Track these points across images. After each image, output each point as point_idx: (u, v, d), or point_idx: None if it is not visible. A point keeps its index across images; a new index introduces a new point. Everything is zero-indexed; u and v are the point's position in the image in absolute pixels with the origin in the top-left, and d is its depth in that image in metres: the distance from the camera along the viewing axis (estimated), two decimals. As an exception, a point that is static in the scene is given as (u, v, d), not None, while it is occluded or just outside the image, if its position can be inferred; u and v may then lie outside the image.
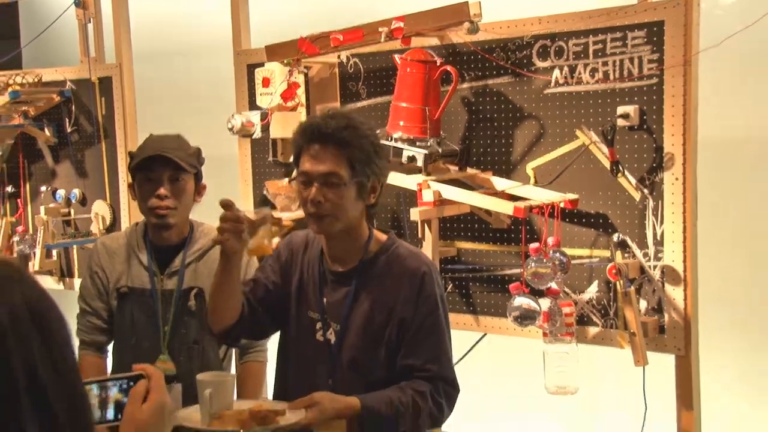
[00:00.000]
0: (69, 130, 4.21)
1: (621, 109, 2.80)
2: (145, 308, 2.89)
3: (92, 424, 1.17)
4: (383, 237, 2.47)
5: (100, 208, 4.04)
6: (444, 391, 2.37)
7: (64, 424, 1.08)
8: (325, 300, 2.47)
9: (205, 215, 3.00)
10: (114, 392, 1.41)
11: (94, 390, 1.41)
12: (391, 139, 3.04)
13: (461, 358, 3.24)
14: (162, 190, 2.80)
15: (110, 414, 1.38)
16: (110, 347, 3.05)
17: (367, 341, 2.40)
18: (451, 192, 2.96)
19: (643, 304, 2.83)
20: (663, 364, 2.81)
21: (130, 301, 2.92)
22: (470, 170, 3.12)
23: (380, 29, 3.07)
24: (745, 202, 3.21)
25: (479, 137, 3.13)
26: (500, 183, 3.02)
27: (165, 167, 2.79)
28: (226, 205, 2.31)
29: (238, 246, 2.31)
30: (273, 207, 3.43)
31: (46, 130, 4.26)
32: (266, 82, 3.34)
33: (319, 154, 2.33)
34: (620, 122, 2.81)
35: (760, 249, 3.20)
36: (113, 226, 3.93)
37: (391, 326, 2.37)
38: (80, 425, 1.12)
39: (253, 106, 3.51)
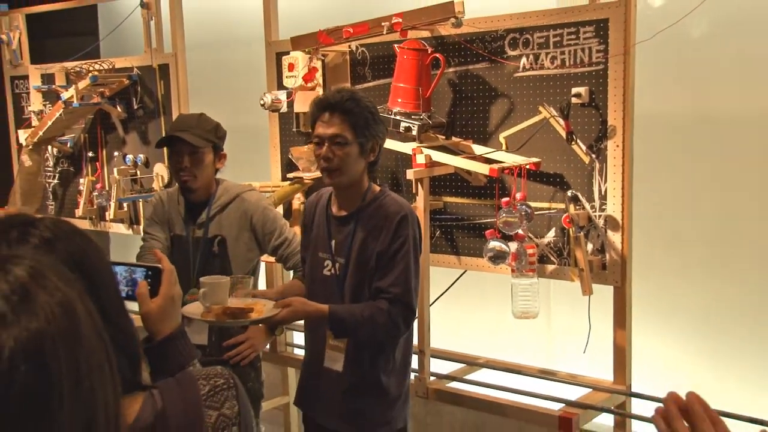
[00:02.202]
0: (135, 106, 4.25)
1: (574, 90, 2.82)
2: (183, 251, 2.96)
3: (140, 357, 1.16)
4: (377, 188, 2.54)
5: (159, 169, 4.08)
6: (401, 312, 2.39)
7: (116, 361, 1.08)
8: (333, 241, 2.54)
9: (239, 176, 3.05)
10: (139, 276, 1.43)
11: (122, 272, 1.44)
12: (391, 113, 3.06)
13: (447, 289, 3.30)
14: (184, 163, 2.86)
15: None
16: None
17: (360, 271, 2.46)
18: (439, 156, 2.98)
19: (589, 246, 2.86)
20: (604, 294, 2.86)
21: (174, 244, 3.00)
22: (454, 138, 3.15)
23: (383, 24, 3.10)
24: (672, 163, 3.22)
25: (462, 112, 3.15)
26: (478, 149, 3.05)
27: (184, 144, 2.84)
28: None
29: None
30: (297, 168, 3.49)
31: (118, 107, 4.30)
32: (291, 67, 3.36)
33: (329, 121, 2.41)
34: (574, 100, 2.83)
35: (685, 201, 3.22)
36: (170, 183, 3.97)
37: (372, 259, 2.43)
38: (131, 359, 1.12)
39: (280, 86, 3.53)
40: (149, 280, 1.42)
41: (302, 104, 3.37)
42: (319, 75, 3.37)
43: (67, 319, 0.83)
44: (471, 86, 3.11)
